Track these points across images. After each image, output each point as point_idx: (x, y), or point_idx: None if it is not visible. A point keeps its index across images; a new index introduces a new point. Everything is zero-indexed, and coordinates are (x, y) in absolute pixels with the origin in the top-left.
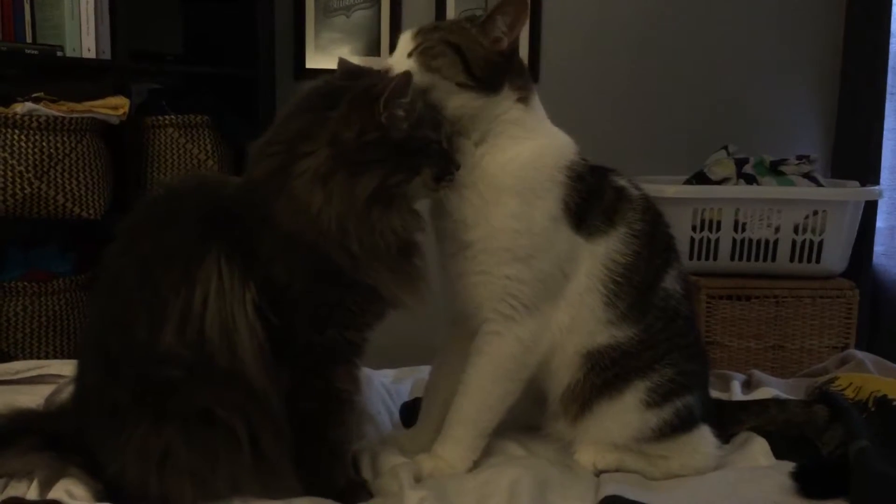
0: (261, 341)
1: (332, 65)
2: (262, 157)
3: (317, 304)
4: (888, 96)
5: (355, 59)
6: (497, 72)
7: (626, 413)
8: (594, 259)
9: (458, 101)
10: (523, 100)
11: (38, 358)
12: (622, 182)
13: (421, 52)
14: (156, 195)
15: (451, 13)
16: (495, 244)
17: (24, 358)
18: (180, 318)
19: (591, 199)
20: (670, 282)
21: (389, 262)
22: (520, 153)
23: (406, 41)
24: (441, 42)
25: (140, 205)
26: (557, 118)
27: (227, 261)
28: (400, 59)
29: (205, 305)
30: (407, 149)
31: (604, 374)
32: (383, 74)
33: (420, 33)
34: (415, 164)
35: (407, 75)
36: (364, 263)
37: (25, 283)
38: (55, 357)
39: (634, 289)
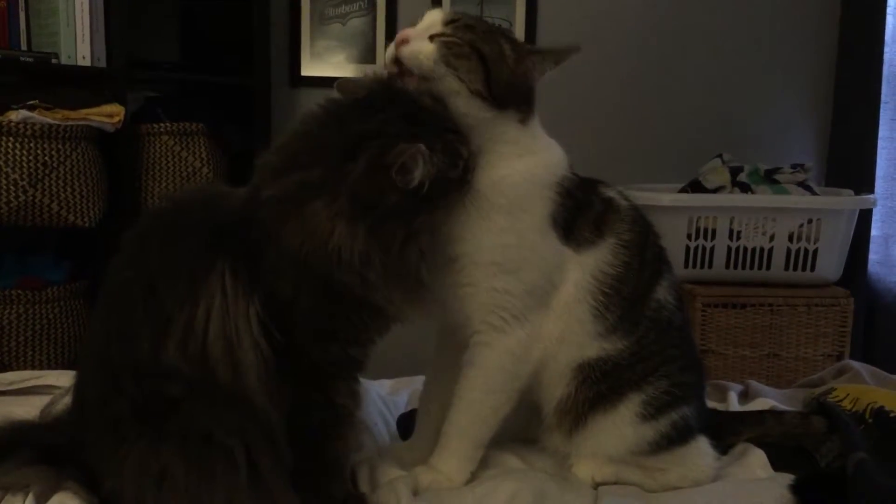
0: (265, 357)
1: (327, 72)
2: (272, 181)
3: (321, 320)
4: (882, 105)
5: (351, 67)
6: (512, 95)
7: (621, 426)
8: (582, 270)
9: (463, 106)
10: (523, 121)
11: (32, 366)
12: (611, 193)
13: (445, 43)
14: (160, 208)
15: None
16: (483, 258)
17: (18, 366)
18: (183, 334)
19: (578, 211)
20: (662, 293)
21: (405, 283)
22: (511, 172)
23: (434, 21)
24: (469, 45)
25: (144, 217)
26: (552, 125)
27: (232, 275)
28: (421, 37)
29: (208, 321)
30: (429, 195)
31: (596, 387)
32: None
33: (452, 24)
34: (438, 201)
35: (418, 152)
36: (380, 287)
37: (19, 291)
38: (49, 365)
39: (624, 300)
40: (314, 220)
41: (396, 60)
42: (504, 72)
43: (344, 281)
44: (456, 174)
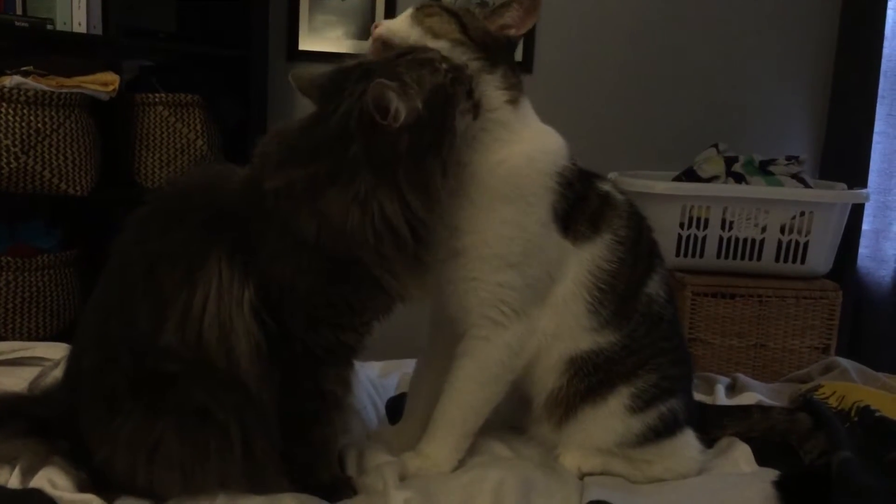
0: (258, 343)
1: (325, 47)
2: (274, 172)
3: (318, 304)
4: (879, 100)
5: (348, 43)
6: (494, 45)
7: (610, 419)
8: (580, 265)
9: (454, 59)
10: (512, 101)
11: (21, 334)
12: (607, 188)
13: (417, 9)
14: (164, 191)
15: None
16: (488, 251)
17: (6, 333)
18: (181, 318)
19: (578, 205)
20: (653, 287)
21: (411, 254)
22: (509, 156)
23: (406, 11)
24: (440, 8)
25: (149, 200)
26: (549, 110)
27: (228, 261)
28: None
29: (205, 306)
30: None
31: (587, 380)
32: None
33: (421, 6)
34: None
35: (381, 85)
36: (393, 260)
37: (9, 259)
38: (38, 333)
39: (618, 295)
40: (329, 208)
41: (380, 42)
42: (478, 23)
43: (359, 258)
44: (442, 78)
